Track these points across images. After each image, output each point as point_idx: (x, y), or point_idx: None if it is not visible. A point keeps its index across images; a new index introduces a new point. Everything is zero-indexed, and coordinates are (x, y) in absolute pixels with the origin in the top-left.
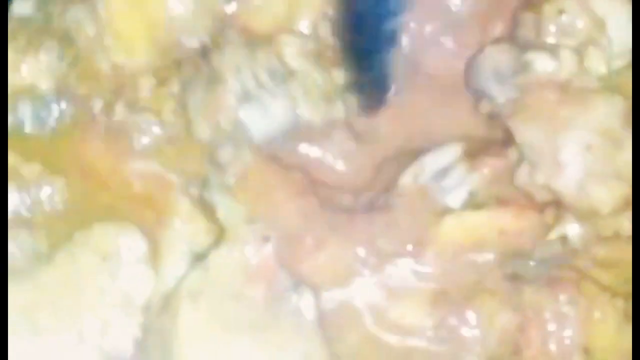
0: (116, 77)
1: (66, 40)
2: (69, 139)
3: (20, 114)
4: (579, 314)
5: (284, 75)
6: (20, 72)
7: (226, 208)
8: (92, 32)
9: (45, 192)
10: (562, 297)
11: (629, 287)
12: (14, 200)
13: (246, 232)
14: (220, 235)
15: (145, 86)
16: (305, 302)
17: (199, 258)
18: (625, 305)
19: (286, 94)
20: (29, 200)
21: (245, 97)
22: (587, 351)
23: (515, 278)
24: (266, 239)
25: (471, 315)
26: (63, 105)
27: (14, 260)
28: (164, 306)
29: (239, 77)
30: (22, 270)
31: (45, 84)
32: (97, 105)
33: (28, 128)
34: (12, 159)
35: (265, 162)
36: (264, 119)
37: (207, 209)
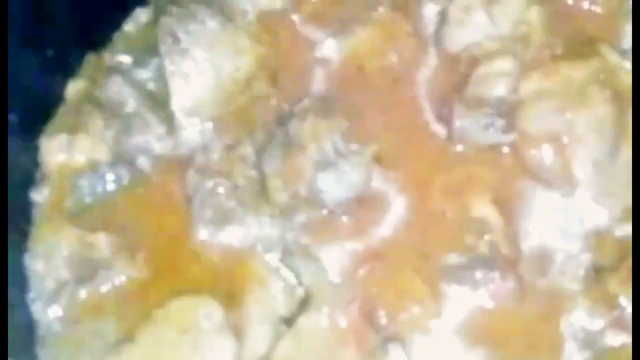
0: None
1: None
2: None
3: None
4: None
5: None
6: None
7: (310, 273)
8: None
9: (123, 269)
10: None
11: None
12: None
13: (332, 295)
14: (306, 299)
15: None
16: (396, 357)
17: (287, 323)
18: None
19: (361, 160)
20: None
21: (324, 164)
22: None
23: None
24: (352, 300)
25: None
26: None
27: (100, 342)
28: None
29: (318, 145)
30: (105, 353)
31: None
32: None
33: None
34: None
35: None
36: (339, 184)
37: (289, 274)
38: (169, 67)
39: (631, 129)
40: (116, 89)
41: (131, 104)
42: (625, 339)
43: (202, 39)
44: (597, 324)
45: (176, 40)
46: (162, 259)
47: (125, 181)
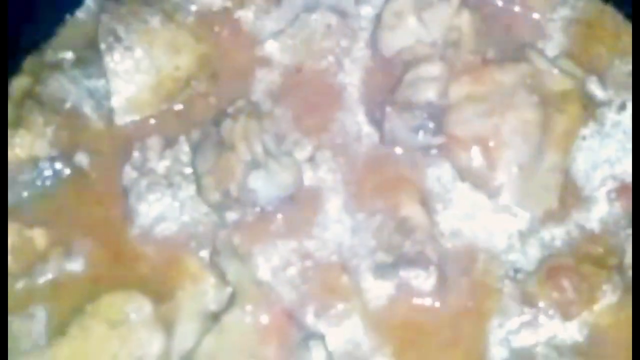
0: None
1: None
2: (76, 203)
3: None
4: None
5: (290, 142)
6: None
7: (235, 270)
8: None
9: (59, 263)
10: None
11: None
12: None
13: (256, 293)
14: (232, 296)
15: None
16: (317, 354)
17: (213, 319)
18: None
19: (292, 161)
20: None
21: (254, 163)
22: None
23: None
24: (276, 298)
25: None
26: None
27: (33, 335)
28: None
29: (249, 145)
30: (39, 344)
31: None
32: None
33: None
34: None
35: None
36: (270, 184)
37: (217, 272)
38: (110, 64)
39: (556, 135)
40: (57, 85)
41: (71, 100)
42: (537, 338)
43: (142, 38)
44: (514, 322)
45: (117, 38)
46: (98, 254)
47: (64, 176)
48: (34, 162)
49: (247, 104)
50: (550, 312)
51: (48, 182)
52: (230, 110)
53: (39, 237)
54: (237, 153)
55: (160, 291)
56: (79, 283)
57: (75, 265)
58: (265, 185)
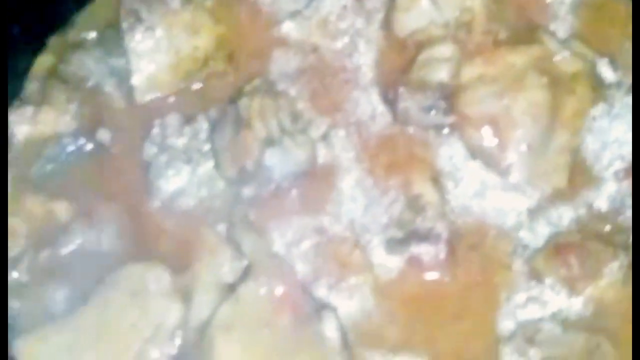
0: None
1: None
2: (98, 177)
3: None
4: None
5: (305, 120)
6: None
7: (251, 244)
8: None
9: (81, 234)
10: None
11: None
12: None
13: (270, 264)
14: (247, 268)
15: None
16: (329, 324)
17: (229, 290)
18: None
19: (306, 138)
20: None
21: (270, 141)
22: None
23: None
24: (290, 271)
25: None
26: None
27: (54, 305)
28: (199, 337)
29: (265, 123)
30: (61, 314)
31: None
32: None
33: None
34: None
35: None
36: (285, 161)
37: (233, 244)
38: (131, 44)
39: (565, 116)
40: (80, 64)
41: (93, 78)
42: (544, 312)
43: (162, 19)
44: (522, 296)
45: (138, 19)
46: (119, 226)
47: (87, 151)
48: (58, 137)
49: (264, 83)
50: (557, 287)
51: (71, 157)
52: (247, 88)
53: (61, 209)
54: (254, 130)
55: (179, 263)
56: (100, 255)
57: (97, 237)
58: (280, 162)
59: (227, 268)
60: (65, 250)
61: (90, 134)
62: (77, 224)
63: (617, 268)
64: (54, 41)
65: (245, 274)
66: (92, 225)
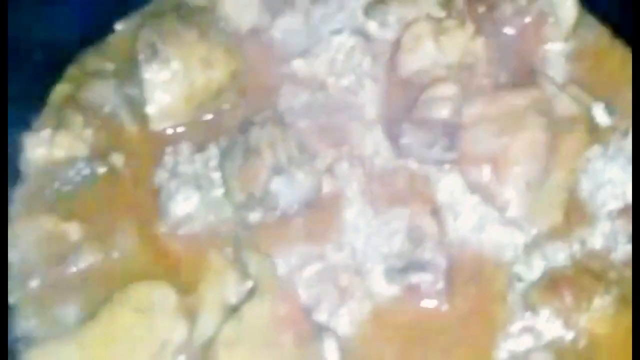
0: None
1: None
2: (110, 200)
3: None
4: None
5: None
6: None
7: (257, 265)
8: None
9: (92, 254)
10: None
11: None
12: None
13: (275, 286)
14: (252, 290)
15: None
16: (329, 345)
17: (233, 311)
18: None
19: (311, 169)
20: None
21: (278, 169)
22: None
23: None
24: (294, 293)
25: None
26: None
27: (64, 320)
28: (203, 355)
29: (273, 152)
30: (70, 329)
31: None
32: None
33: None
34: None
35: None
36: (291, 189)
37: (239, 267)
38: (146, 75)
39: (562, 155)
40: (97, 91)
41: (109, 106)
42: (537, 343)
43: (178, 52)
44: (516, 327)
45: (155, 51)
46: (128, 247)
47: (100, 174)
48: (73, 161)
49: (273, 115)
50: (551, 319)
51: (85, 180)
52: (257, 119)
53: (73, 230)
54: (262, 158)
55: (185, 283)
56: (109, 274)
57: (106, 258)
58: (286, 189)
59: (232, 289)
60: (75, 268)
61: (104, 159)
62: (88, 243)
63: (608, 302)
64: (71, 70)
65: (250, 294)
66: (102, 246)
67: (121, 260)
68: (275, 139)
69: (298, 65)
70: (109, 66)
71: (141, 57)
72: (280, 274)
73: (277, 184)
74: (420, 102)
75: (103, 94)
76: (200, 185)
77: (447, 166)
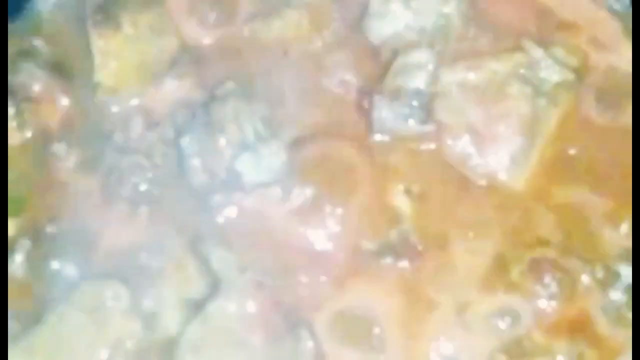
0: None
1: None
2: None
3: None
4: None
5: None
6: None
7: (219, 258)
8: None
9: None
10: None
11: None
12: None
13: (240, 280)
14: (215, 284)
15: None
16: (303, 343)
17: (197, 307)
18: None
19: (280, 145)
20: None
21: (243, 146)
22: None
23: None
24: (260, 285)
25: None
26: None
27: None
28: (166, 357)
29: (239, 127)
30: (13, 334)
31: None
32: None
33: None
34: None
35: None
36: (258, 168)
37: (200, 258)
38: (98, 42)
39: (547, 124)
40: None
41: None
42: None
43: (129, 17)
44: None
45: (106, 15)
46: (76, 237)
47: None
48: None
49: (237, 86)
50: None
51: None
52: (218, 92)
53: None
54: (227, 134)
55: (139, 278)
56: (52, 273)
57: (46, 255)
58: (253, 168)
59: (193, 283)
60: (14, 267)
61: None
62: (24, 239)
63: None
64: None
65: (214, 290)
66: (42, 240)
67: (64, 258)
68: (241, 113)
69: (258, 27)
70: (37, 42)
71: (90, 21)
72: (246, 265)
73: (243, 162)
74: (392, 70)
75: (34, 73)
76: (155, 165)
77: (423, 139)
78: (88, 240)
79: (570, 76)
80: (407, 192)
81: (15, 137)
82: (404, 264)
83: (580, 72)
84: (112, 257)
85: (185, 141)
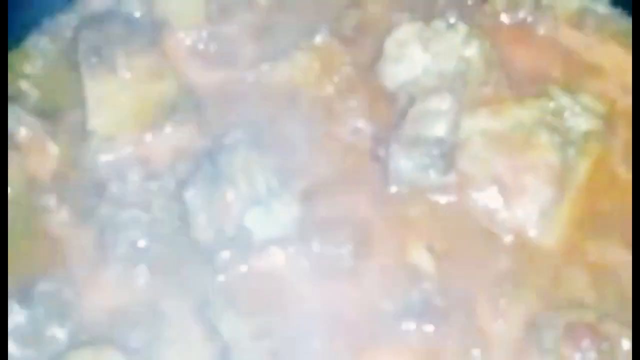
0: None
1: None
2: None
3: None
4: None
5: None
6: None
7: (229, 323)
8: None
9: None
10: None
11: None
12: None
13: (253, 348)
14: (225, 353)
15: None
16: None
17: None
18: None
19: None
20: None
21: (254, 200)
22: None
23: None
24: (275, 355)
25: None
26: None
27: None
28: None
29: (250, 180)
30: None
31: None
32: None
33: None
34: None
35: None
36: (268, 223)
37: (207, 324)
38: (89, 84)
39: (577, 176)
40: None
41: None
42: None
43: (125, 60)
44: None
45: (99, 57)
46: (69, 298)
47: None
48: None
49: (246, 135)
50: None
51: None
52: (227, 140)
53: None
54: (237, 188)
55: (138, 345)
56: (41, 338)
57: (34, 318)
58: (263, 224)
59: (199, 353)
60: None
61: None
62: (11, 302)
63: None
64: None
65: (224, 357)
66: (29, 305)
67: (54, 322)
68: (251, 163)
69: (265, 71)
70: (25, 85)
71: (84, 64)
72: (259, 331)
73: (253, 217)
74: (409, 117)
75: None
76: (155, 220)
77: (444, 191)
78: (81, 302)
79: (599, 124)
80: (429, 248)
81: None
82: (427, 327)
83: (609, 119)
84: (108, 321)
85: (190, 194)
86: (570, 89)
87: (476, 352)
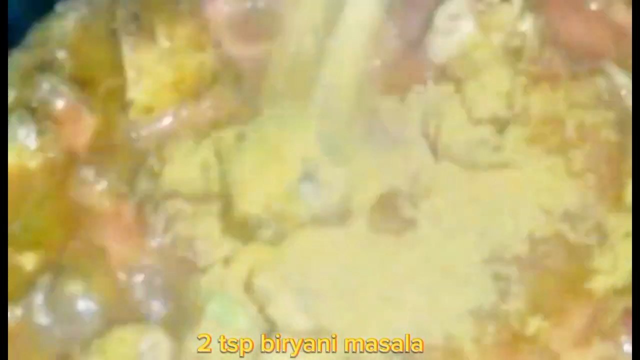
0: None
1: None
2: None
3: None
4: None
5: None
6: None
7: (280, 301)
8: None
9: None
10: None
11: None
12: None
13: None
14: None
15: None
16: None
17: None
18: None
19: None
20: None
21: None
22: None
23: None
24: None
25: None
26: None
27: None
28: None
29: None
30: None
31: None
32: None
33: None
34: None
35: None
36: (318, 199)
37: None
38: (129, 54)
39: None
40: (49, 88)
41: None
42: None
43: (165, 27)
44: None
45: (139, 26)
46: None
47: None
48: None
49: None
50: None
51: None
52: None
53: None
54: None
55: (182, 326)
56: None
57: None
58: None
59: (243, 334)
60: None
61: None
62: (45, 277)
63: None
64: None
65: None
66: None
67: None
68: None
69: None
70: (60, 53)
71: (122, 31)
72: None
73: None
74: (462, 93)
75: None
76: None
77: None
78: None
79: None
80: None
81: (36, 159)
82: None
83: None
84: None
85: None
86: (624, 66)
87: None
